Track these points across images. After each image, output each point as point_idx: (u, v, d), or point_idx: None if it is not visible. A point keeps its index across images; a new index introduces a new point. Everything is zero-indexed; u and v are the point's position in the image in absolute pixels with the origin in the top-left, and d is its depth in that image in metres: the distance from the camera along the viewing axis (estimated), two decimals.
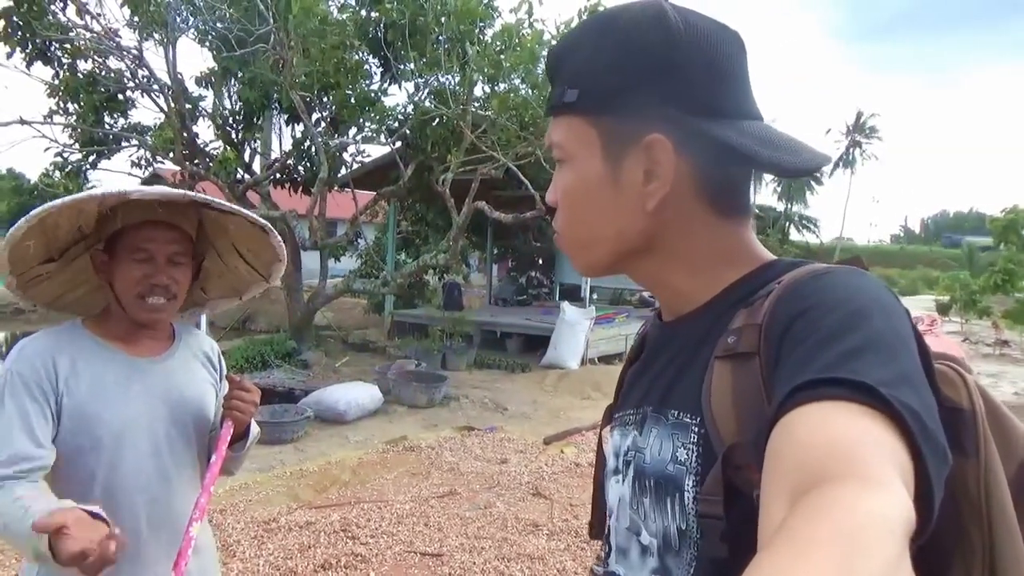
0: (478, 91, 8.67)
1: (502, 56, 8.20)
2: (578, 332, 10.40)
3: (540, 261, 17.51)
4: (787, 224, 45.22)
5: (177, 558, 1.41)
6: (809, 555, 0.41)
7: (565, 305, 10.81)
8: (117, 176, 13.17)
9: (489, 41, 8.76)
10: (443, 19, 8.28)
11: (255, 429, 1.72)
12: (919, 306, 25.09)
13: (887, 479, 0.46)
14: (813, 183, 46.70)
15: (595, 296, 12.36)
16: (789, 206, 46.65)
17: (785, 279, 0.69)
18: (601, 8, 8.34)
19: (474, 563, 3.91)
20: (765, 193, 49.04)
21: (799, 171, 0.70)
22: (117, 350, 1.53)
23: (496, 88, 8.58)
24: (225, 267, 1.76)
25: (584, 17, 7.58)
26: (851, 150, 49.64)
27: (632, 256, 0.78)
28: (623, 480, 0.79)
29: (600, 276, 0.84)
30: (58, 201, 1.36)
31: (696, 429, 0.69)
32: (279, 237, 1.65)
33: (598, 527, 0.92)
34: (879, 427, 0.49)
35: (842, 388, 0.52)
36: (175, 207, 1.49)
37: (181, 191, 1.45)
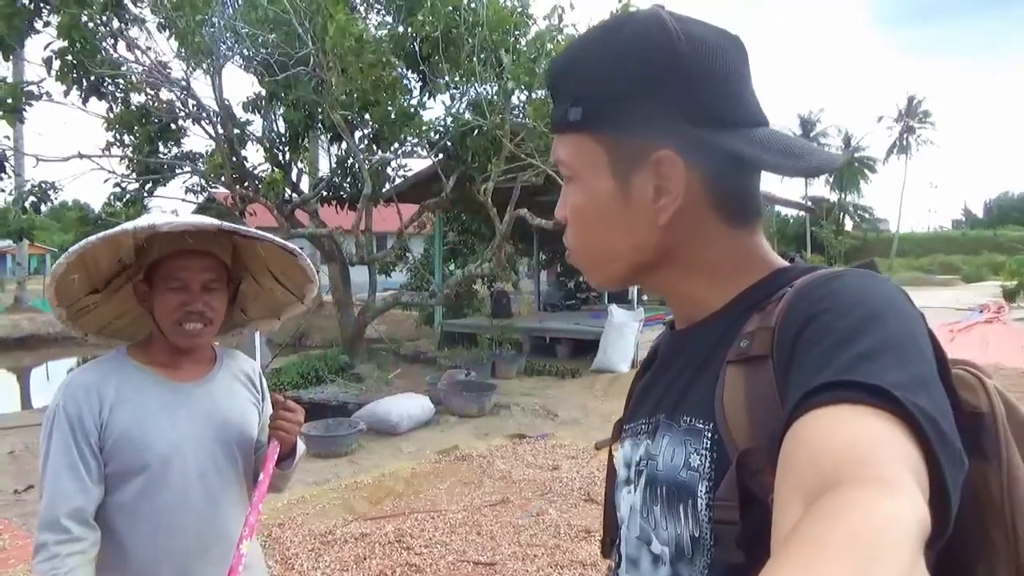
0: (515, 99, 8.72)
1: (536, 63, 8.22)
2: (627, 335, 10.32)
3: None
4: (841, 214, 44.12)
5: (228, 574, 1.46)
6: (823, 559, 0.40)
7: (613, 308, 10.75)
8: (172, 203, 13.66)
9: (524, 49, 8.80)
10: (476, 29, 8.35)
11: (301, 447, 1.77)
12: (986, 293, 24.10)
13: (902, 482, 0.45)
14: (867, 171, 45.53)
15: (644, 298, 12.24)
16: (843, 196, 45.52)
17: (797, 283, 0.68)
18: (632, 10, 8.31)
19: (527, 571, 3.92)
20: (817, 184, 47.99)
21: (807, 173, 0.71)
22: (160, 376, 1.59)
23: (532, 95, 8.61)
24: (261, 289, 1.82)
25: (629, 11, 7.55)
26: (904, 136, 48.21)
27: (646, 269, 0.78)
28: (634, 490, 0.79)
29: (614, 289, 0.85)
30: (94, 237, 1.43)
31: (709, 435, 0.68)
32: (308, 260, 1.69)
33: (611, 545, 0.92)
34: (893, 430, 0.49)
35: (856, 391, 0.51)
36: (207, 235, 1.54)
37: (208, 220, 1.50)
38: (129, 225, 1.44)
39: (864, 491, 0.44)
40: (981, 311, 14.75)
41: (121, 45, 8.98)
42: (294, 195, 10.60)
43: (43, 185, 9.29)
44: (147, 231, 1.46)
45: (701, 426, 0.69)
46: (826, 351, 0.57)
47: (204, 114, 9.61)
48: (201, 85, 18.22)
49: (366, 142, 10.07)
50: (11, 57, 8.88)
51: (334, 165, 10.78)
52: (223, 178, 9.66)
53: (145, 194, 10.22)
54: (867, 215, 46.05)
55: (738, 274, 0.75)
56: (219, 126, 9.53)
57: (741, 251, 0.76)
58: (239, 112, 10.20)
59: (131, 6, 8.92)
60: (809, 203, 30.82)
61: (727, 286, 0.75)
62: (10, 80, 8.88)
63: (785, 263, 0.77)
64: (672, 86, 0.70)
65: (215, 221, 1.52)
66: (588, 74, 0.74)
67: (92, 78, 8.72)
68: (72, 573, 1.40)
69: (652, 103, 0.70)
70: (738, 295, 0.74)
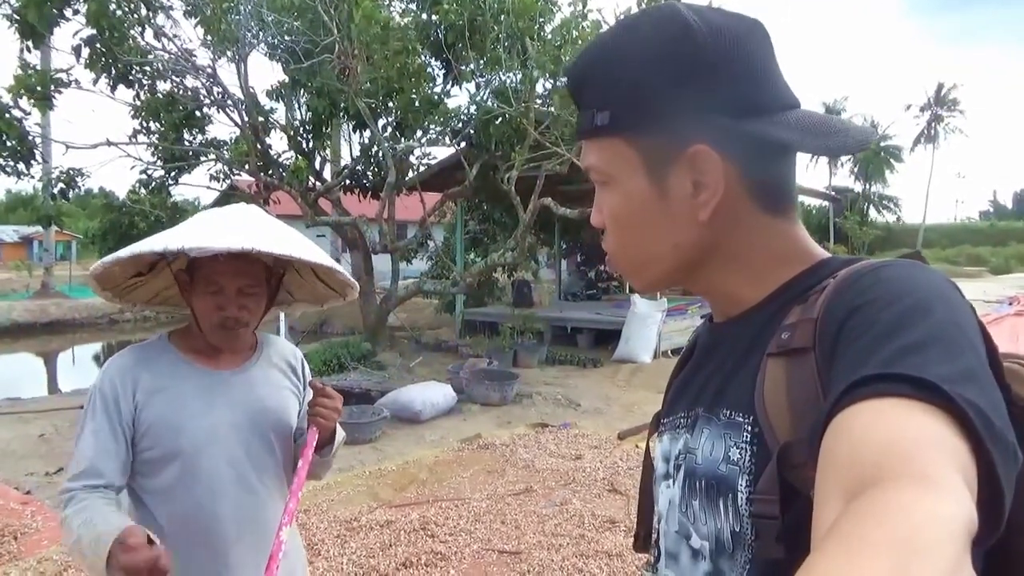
0: (539, 87, 8.67)
1: (561, 50, 8.17)
2: (650, 325, 10.27)
3: None
4: (866, 205, 43.54)
5: (268, 562, 1.46)
6: (863, 559, 0.39)
7: (636, 298, 10.69)
8: (197, 190, 13.75)
9: (549, 37, 8.74)
10: (501, 17, 8.31)
11: (340, 434, 1.77)
12: (1014, 285, 23.67)
13: (947, 479, 0.44)
14: (892, 161, 44.87)
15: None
16: (868, 186, 44.92)
17: (841, 273, 0.67)
18: (648, 4, 8.22)
19: (552, 560, 3.92)
20: (842, 174, 47.41)
21: (847, 151, 0.70)
22: (198, 364, 1.60)
23: (557, 83, 8.56)
24: (304, 281, 1.82)
25: (643, 6, 7.49)
26: (933, 125, 47.43)
27: (688, 268, 0.77)
28: (673, 483, 0.78)
29: (658, 290, 0.84)
30: (124, 253, 1.44)
31: (749, 428, 0.67)
32: (346, 274, 1.69)
33: (644, 539, 0.91)
34: (940, 425, 0.48)
35: (902, 384, 0.50)
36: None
37: (239, 243, 1.43)
38: (159, 245, 1.42)
39: (907, 489, 0.43)
40: (1010, 303, 14.50)
41: (148, 33, 9.07)
42: (317, 183, 10.63)
43: (71, 172, 9.40)
44: (176, 254, 1.45)
45: (741, 420, 0.68)
46: (870, 343, 0.56)
47: (229, 102, 9.67)
48: (226, 73, 18.33)
49: (390, 130, 10.07)
50: (41, 45, 8.97)
51: (357, 153, 10.81)
52: (247, 166, 9.72)
53: (170, 181, 10.32)
54: (892, 205, 45.41)
55: (779, 265, 0.74)
56: (244, 114, 9.58)
57: (782, 241, 0.75)
58: (263, 100, 10.25)
59: None
60: (833, 193, 30.42)
61: (768, 278, 0.74)
62: (40, 68, 8.97)
63: (827, 254, 0.76)
64: (698, 78, 0.68)
65: (244, 244, 1.44)
66: (611, 76, 0.73)
67: (120, 66, 8.80)
68: (95, 505, 1.42)
69: (680, 98, 0.69)
70: (779, 287, 0.73)
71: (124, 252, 1.44)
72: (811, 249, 0.75)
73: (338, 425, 1.72)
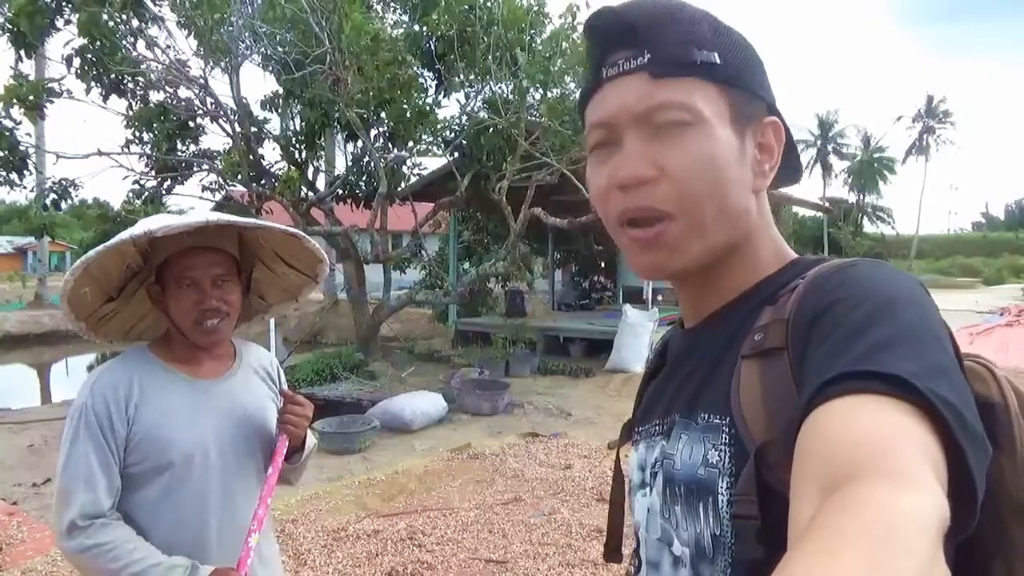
0: (530, 98, 8.71)
1: (551, 61, 8.22)
2: (641, 335, 10.28)
3: (603, 264, 17.40)
4: (860, 216, 43.71)
5: (237, 567, 1.47)
6: (838, 555, 0.40)
7: (627, 308, 10.71)
8: (190, 200, 13.75)
9: (539, 48, 8.80)
10: (491, 28, 8.36)
11: (311, 441, 1.77)
12: (1006, 296, 23.80)
13: (920, 475, 0.45)
14: (885, 172, 45.09)
15: (659, 298, 12.18)
16: (861, 197, 45.12)
17: (810, 274, 0.68)
18: None
19: (538, 569, 3.91)
20: (835, 185, 47.61)
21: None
22: (182, 374, 1.59)
23: (548, 94, 8.60)
24: (274, 275, 1.81)
25: None
26: (924, 137, 47.73)
27: (732, 246, 0.74)
28: (651, 491, 0.78)
29: (684, 275, 0.76)
30: (92, 252, 1.44)
31: (727, 430, 0.67)
32: (312, 241, 1.68)
33: (613, 552, 0.91)
34: (912, 420, 0.48)
35: (873, 381, 0.50)
36: (208, 231, 1.52)
37: (202, 217, 1.47)
38: (126, 234, 1.44)
39: (881, 485, 0.44)
40: (1001, 314, 14.56)
41: (141, 43, 9.08)
42: (310, 193, 10.64)
43: (64, 182, 9.39)
44: (143, 238, 1.45)
45: (719, 422, 0.68)
46: (841, 342, 0.56)
47: (222, 112, 9.68)
48: (219, 83, 18.37)
49: (382, 140, 10.10)
50: (33, 55, 8.98)
51: (350, 163, 10.82)
52: (240, 176, 9.73)
53: (163, 192, 10.30)
54: (886, 216, 45.63)
55: (765, 264, 0.76)
56: (236, 124, 9.59)
57: (772, 241, 0.77)
58: (256, 110, 10.26)
59: (150, 4, 9.00)
60: (827, 204, 30.52)
61: (754, 274, 0.75)
62: (32, 78, 8.98)
63: (795, 255, 0.77)
64: (759, 62, 0.75)
65: (209, 216, 1.49)
66: (716, 25, 0.73)
67: (112, 76, 8.80)
68: (130, 535, 1.46)
69: (756, 73, 0.74)
70: (751, 287, 0.74)
71: (92, 252, 1.43)
72: (785, 249, 0.78)
73: (309, 432, 1.73)
